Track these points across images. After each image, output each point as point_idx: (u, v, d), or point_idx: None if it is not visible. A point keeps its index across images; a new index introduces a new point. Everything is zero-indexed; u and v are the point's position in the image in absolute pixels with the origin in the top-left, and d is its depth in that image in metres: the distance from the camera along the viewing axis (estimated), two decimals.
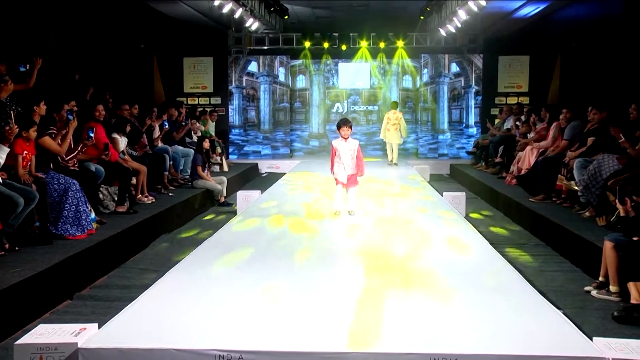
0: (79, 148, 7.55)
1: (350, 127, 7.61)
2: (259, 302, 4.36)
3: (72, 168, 7.33)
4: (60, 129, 7.19)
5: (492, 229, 8.40)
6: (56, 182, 6.55)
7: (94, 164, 7.80)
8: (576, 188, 7.77)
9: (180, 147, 11.12)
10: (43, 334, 3.65)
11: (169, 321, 3.98)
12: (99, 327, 3.82)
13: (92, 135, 7.69)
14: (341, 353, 3.49)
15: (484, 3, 11.76)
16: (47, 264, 5.32)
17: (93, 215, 6.86)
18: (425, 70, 16.84)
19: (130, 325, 3.92)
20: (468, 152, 15.52)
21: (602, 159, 7.32)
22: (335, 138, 7.82)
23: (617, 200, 5.58)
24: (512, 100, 15.54)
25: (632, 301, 4.65)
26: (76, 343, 3.53)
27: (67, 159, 7.32)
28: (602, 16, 11.97)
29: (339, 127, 7.65)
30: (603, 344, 3.53)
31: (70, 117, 7.19)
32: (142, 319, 4.03)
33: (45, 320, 4.72)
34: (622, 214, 5.34)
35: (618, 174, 6.86)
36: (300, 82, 17.54)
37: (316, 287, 4.73)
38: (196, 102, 16.24)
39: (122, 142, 8.93)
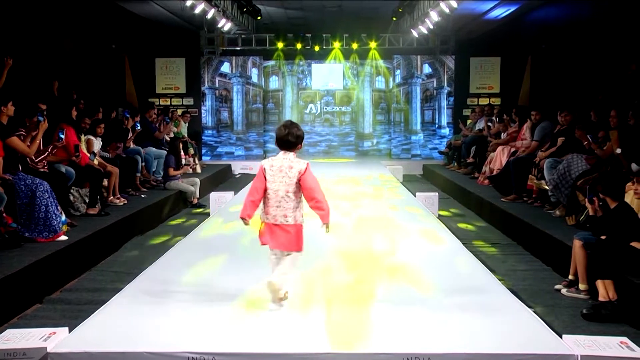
0: (49, 149, 7.43)
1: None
2: (232, 304, 4.34)
3: (41, 170, 7.21)
4: (30, 130, 7.06)
5: (464, 228, 8.47)
6: (24, 184, 6.41)
7: (64, 166, 7.69)
8: (546, 187, 7.88)
9: (154, 149, 11.02)
10: (11, 339, 3.58)
11: (140, 324, 3.94)
12: (70, 331, 3.77)
13: (62, 136, 7.58)
14: (313, 354, 3.49)
15: (455, 4, 11.83)
16: (16, 267, 5.21)
17: (63, 217, 6.75)
18: (398, 72, 16.91)
19: (102, 328, 3.88)
20: (440, 153, 15.63)
21: (571, 158, 7.44)
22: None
23: (586, 200, 5.67)
24: (484, 101, 15.69)
25: (600, 299, 4.73)
26: (45, 348, 3.48)
27: (36, 160, 7.19)
28: (571, 19, 12.15)
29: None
30: (572, 341, 3.59)
31: (41, 118, 7.07)
32: (113, 323, 3.99)
33: (13, 325, 4.63)
34: (590, 213, 5.44)
35: (587, 174, 6.98)
36: (273, 83, 17.50)
37: (288, 288, 4.73)
38: (168, 103, 16.09)
39: (97, 143, 8.83)
